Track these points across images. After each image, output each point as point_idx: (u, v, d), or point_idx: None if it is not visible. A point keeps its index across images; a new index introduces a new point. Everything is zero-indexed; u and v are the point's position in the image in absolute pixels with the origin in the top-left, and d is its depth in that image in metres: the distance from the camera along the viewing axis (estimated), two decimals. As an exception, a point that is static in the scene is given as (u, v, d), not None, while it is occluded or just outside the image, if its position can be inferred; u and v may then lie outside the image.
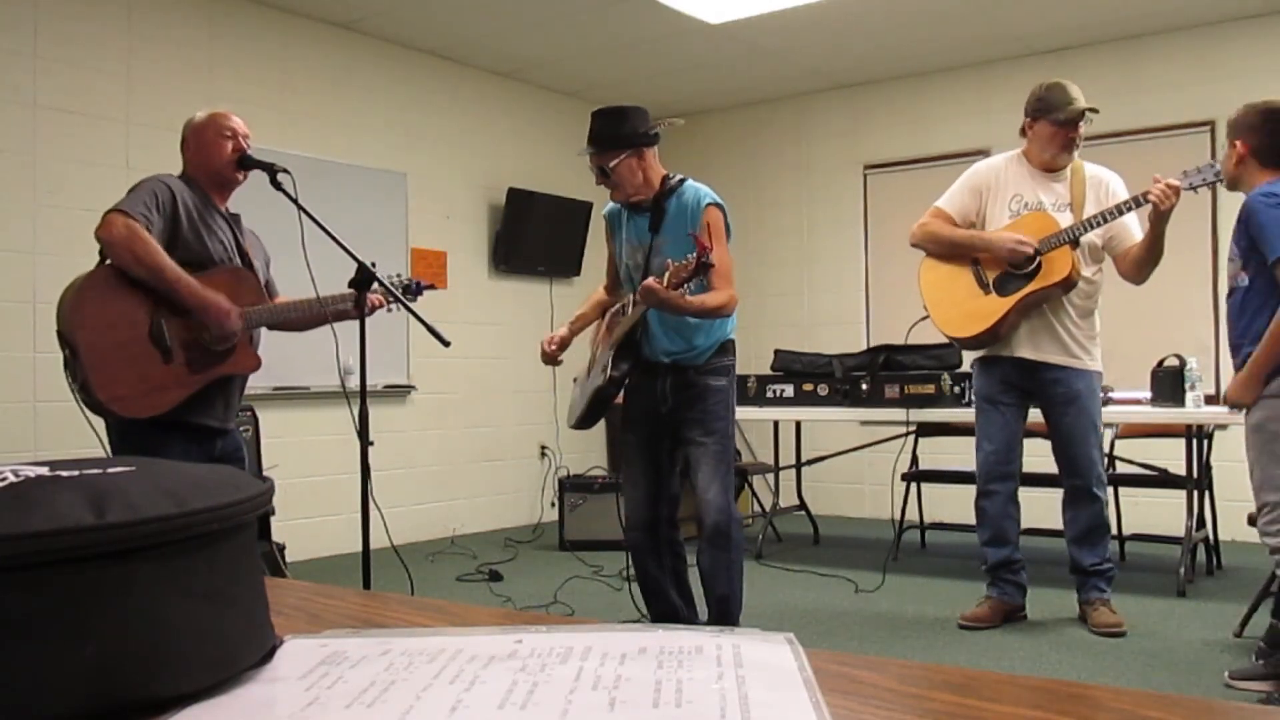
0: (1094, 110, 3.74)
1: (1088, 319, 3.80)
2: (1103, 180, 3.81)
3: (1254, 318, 3.01)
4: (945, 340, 5.07)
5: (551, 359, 3.51)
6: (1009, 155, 3.91)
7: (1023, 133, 3.85)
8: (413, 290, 3.26)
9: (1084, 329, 3.78)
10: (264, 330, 3.17)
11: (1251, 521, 3.27)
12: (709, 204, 3.28)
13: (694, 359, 3.35)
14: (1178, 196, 3.44)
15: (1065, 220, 3.70)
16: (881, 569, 5.00)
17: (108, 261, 2.83)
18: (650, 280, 3.05)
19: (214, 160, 3.01)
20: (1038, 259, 3.66)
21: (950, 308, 3.87)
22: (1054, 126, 3.72)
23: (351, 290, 3.08)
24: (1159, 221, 3.52)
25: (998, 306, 3.73)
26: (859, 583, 4.83)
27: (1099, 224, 3.63)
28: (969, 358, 5.11)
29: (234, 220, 3.12)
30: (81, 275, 2.84)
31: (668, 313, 3.22)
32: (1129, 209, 3.61)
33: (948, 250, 3.89)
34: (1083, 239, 3.69)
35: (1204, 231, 5.98)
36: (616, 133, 3.29)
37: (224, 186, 3.08)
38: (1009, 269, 3.72)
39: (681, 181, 3.36)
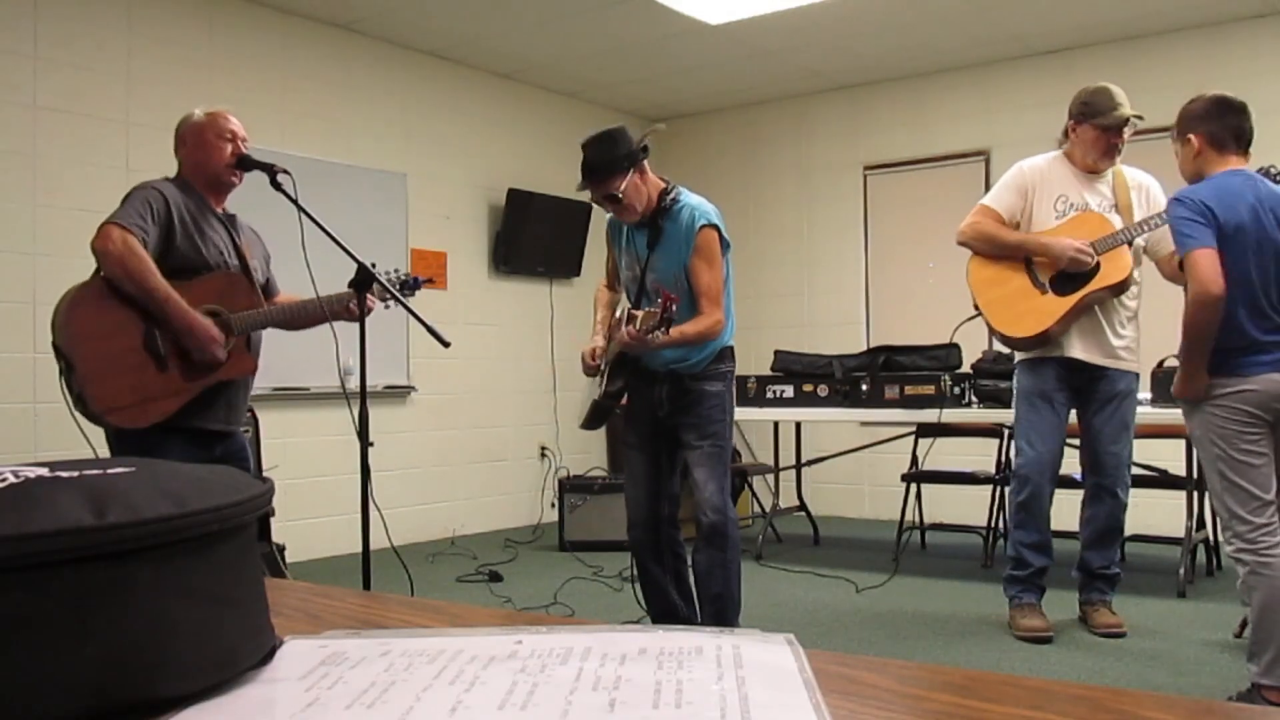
0: (1139, 117, 3.70)
1: (1133, 321, 3.78)
2: (1144, 185, 3.80)
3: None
4: (946, 341, 5.12)
5: (595, 370, 3.51)
6: (1051, 156, 3.87)
7: (1066, 135, 3.82)
8: (410, 286, 3.25)
9: (1130, 330, 3.76)
10: (264, 331, 3.16)
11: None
12: (702, 225, 3.27)
13: (691, 368, 3.37)
14: None
15: (1114, 222, 3.69)
16: (883, 569, 5.00)
17: (101, 273, 2.83)
18: (625, 334, 3.11)
19: (212, 163, 3.01)
20: (1095, 260, 3.64)
21: (1005, 307, 3.77)
22: (1097, 131, 3.68)
23: (348, 290, 3.07)
24: None
25: (1058, 306, 3.67)
26: (859, 583, 4.83)
27: (1156, 226, 3.61)
28: (970, 358, 5.16)
29: (230, 221, 3.11)
30: (74, 287, 2.83)
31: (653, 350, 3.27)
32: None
33: (1000, 251, 3.80)
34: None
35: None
36: (614, 156, 3.24)
37: (221, 189, 3.07)
38: (1068, 271, 3.67)
39: (676, 199, 3.33)
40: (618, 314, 3.51)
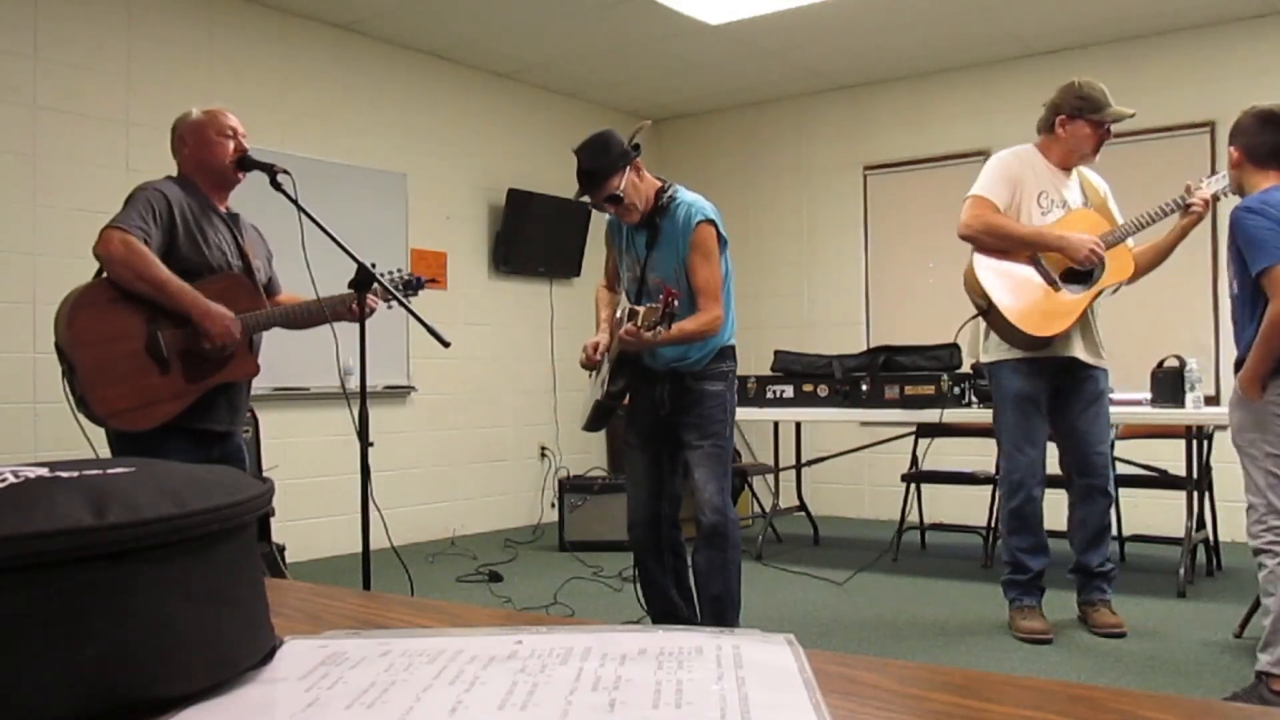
0: (1130, 115, 3.72)
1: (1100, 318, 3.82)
2: (1104, 186, 3.83)
3: (1244, 325, 3.05)
4: (946, 341, 5.11)
5: (594, 365, 3.50)
6: (1025, 149, 3.80)
7: (1050, 128, 3.76)
8: (413, 286, 3.25)
9: (1101, 327, 3.80)
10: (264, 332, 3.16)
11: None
12: (699, 222, 3.27)
13: (691, 366, 3.37)
14: (1208, 208, 3.57)
15: None
16: (883, 569, 4.99)
17: (104, 275, 2.83)
18: (626, 330, 3.10)
19: (215, 161, 3.01)
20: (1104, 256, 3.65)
21: (1026, 305, 3.65)
22: (1092, 127, 3.67)
23: (350, 291, 3.07)
24: (1187, 231, 3.62)
25: (1076, 303, 3.64)
26: (858, 583, 4.83)
27: (1147, 224, 3.63)
28: (970, 358, 5.15)
29: (233, 220, 3.11)
30: (76, 289, 2.83)
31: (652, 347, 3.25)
32: (1172, 211, 3.65)
33: (1010, 245, 3.67)
34: None
35: (1204, 233, 5.96)
36: (609, 156, 3.25)
37: (224, 187, 3.07)
38: (1072, 267, 3.65)
39: (673, 197, 3.33)
40: (618, 313, 3.50)
